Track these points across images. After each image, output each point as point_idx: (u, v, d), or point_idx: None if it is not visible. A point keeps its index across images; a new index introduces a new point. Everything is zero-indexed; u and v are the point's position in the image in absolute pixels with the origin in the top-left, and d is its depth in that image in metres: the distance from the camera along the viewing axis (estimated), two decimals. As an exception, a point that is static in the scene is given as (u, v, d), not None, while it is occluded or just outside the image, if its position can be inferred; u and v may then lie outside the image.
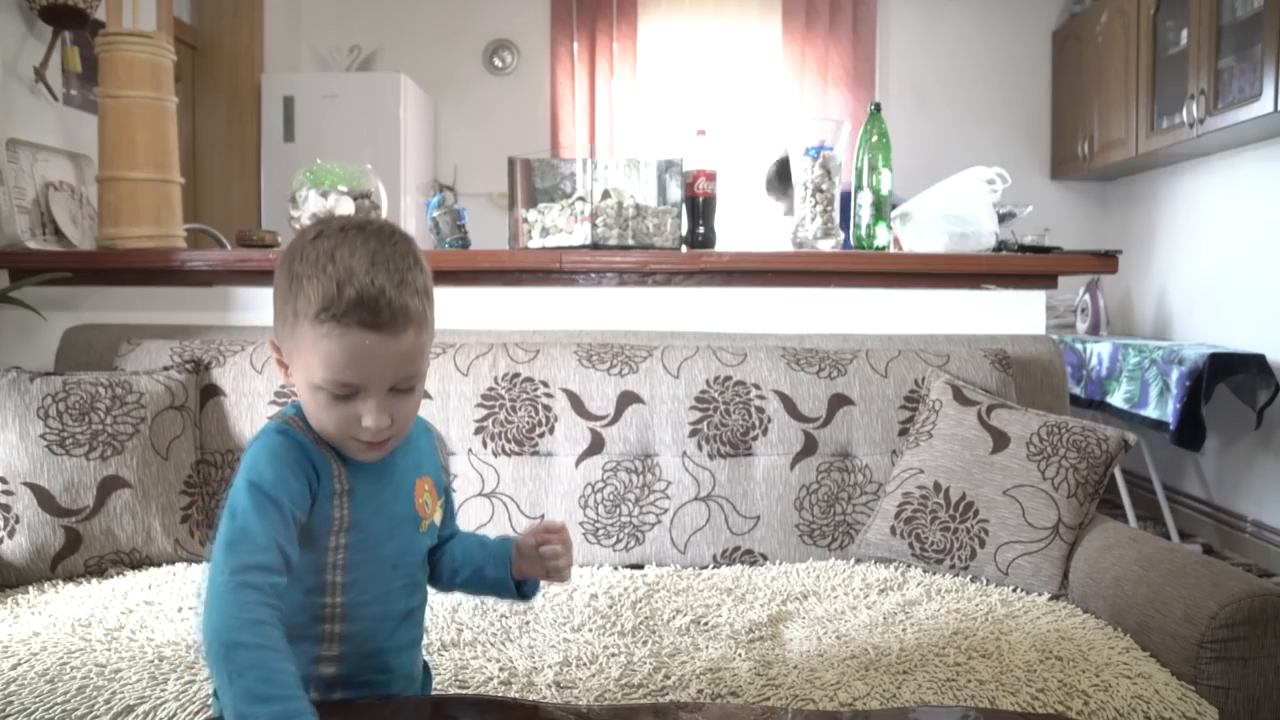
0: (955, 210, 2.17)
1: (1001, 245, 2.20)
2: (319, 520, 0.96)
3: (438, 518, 1.08)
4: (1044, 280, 2.18)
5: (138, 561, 1.72)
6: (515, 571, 1.10)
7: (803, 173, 2.18)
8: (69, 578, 1.66)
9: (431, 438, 1.12)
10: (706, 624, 1.48)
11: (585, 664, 1.32)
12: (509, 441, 1.86)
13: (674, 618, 1.50)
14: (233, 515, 0.89)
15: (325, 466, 0.96)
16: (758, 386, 1.88)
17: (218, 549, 0.88)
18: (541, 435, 1.87)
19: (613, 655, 1.34)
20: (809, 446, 1.87)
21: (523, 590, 1.12)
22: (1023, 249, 2.22)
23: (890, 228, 2.21)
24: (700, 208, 2.21)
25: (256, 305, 2.17)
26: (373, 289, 0.89)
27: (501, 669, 1.29)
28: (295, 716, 0.78)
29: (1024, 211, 2.35)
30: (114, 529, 1.70)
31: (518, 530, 1.83)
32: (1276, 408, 3.22)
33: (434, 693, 1.16)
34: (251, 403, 1.87)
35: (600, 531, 1.83)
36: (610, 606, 1.55)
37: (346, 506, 0.97)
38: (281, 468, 0.92)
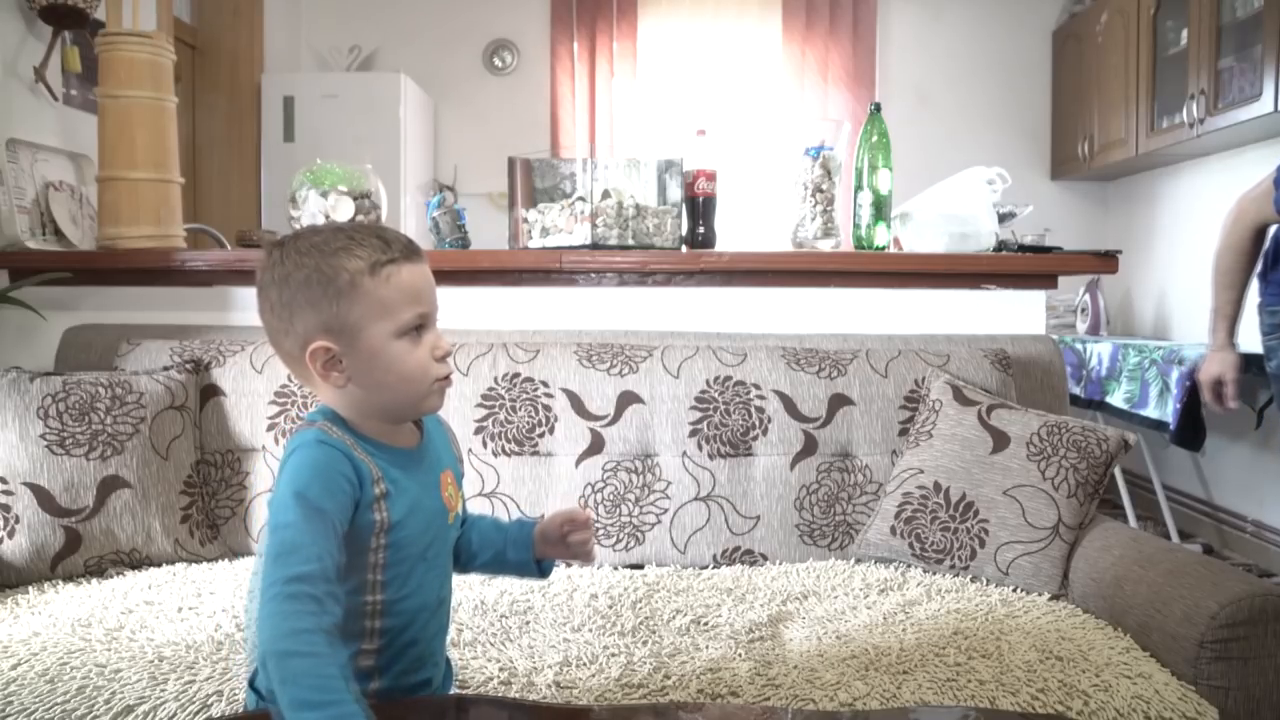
0: (955, 210, 2.17)
1: (1001, 245, 2.20)
2: (361, 526, 0.97)
3: (461, 509, 1.11)
4: (1044, 280, 2.18)
5: (138, 561, 1.72)
6: (536, 553, 1.15)
7: (802, 173, 2.19)
8: (69, 578, 1.66)
9: (444, 429, 1.15)
10: (706, 624, 1.48)
11: (585, 664, 1.32)
12: (509, 441, 1.86)
13: (674, 618, 1.50)
14: (278, 528, 0.90)
15: (367, 473, 0.98)
16: (758, 386, 1.88)
17: (266, 562, 0.89)
18: (541, 435, 1.87)
19: (613, 655, 1.34)
20: (809, 446, 1.87)
21: (542, 568, 1.18)
22: (1023, 249, 2.21)
23: (890, 227, 2.21)
24: (700, 208, 2.21)
25: (256, 305, 2.16)
26: (393, 240, 1.01)
27: (501, 669, 1.29)
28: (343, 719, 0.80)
29: (1024, 211, 2.35)
30: (114, 529, 1.70)
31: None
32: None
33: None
34: (251, 403, 1.87)
35: (600, 531, 1.83)
36: (610, 606, 1.55)
37: (386, 509, 0.99)
38: (327, 480, 0.94)
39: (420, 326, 1.00)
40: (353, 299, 0.97)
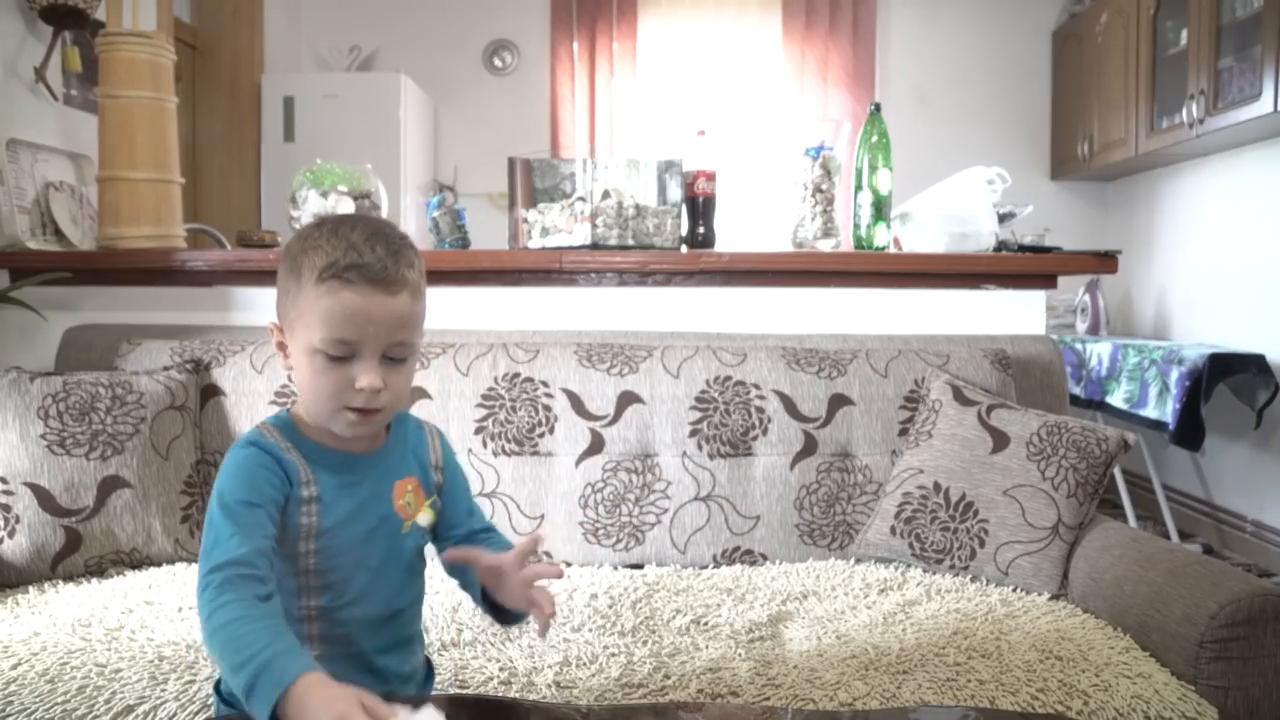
0: (955, 210, 2.17)
1: (1001, 245, 2.20)
2: (292, 527, 0.98)
3: (424, 519, 1.07)
4: (1044, 280, 2.18)
5: (138, 561, 1.72)
6: (500, 599, 1.03)
7: (802, 173, 2.19)
8: (69, 578, 1.66)
9: (425, 435, 1.12)
10: (706, 624, 1.48)
11: (585, 664, 1.32)
12: (509, 441, 1.86)
13: (674, 618, 1.50)
14: (205, 531, 0.94)
15: (295, 473, 0.98)
16: (758, 386, 1.88)
17: (199, 562, 0.92)
18: (541, 435, 1.87)
19: (613, 655, 1.34)
20: (809, 446, 1.87)
21: (502, 614, 1.05)
22: (1023, 249, 2.21)
23: (890, 227, 2.21)
24: (700, 208, 2.21)
25: (256, 305, 2.17)
26: (372, 253, 0.96)
27: (501, 669, 1.29)
28: (261, 671, 0.81)
29: (1024, 211, 2.35)
30: (114, 529, 1.70)
31: (517, 530, 1.83)
32: (1276, 408, 3.22)
33: (433, 692, 1.16)
34: (251, 403, 1.87)
35: (600, 531, 1.83)
36: (610, 606, 1.55)
37: (315, 514, 0.99)
38: (247, 476, 0.96)
39: (341, 357, 0.95)
40: (296, 297, 0.98)
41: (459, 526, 1.11)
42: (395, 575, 1.04)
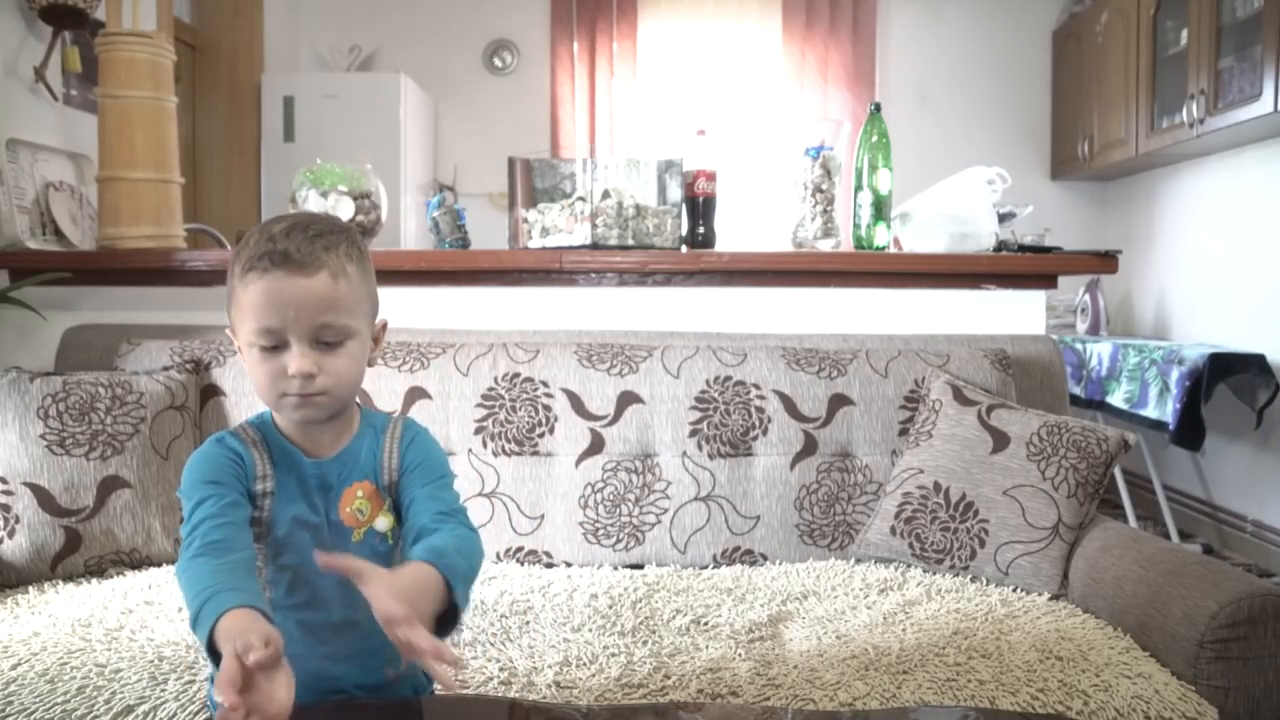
0: (955, 210, 2.17)
1: (1001, 245, 2.20)
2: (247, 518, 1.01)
3: (382, 523, 1.04)
4: (1044, 280, 2.18)
5: (138, 561, 1.72)
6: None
7: (802, 173, 2.19)
8: (69, 578, 1.67)
9: (384, 437, 1.07)
10: (706, 624, 1.48)
11: (585, 664, 1.32)
12: (509, 441, 1.86)
13: (674, 618, 1.50)
14: (184, 514, 0.99)
15: (252, 467, 1.01)
16: (758, 386, 1.88)
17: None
18: (541, 435, 1.87)
19: (613, 655, 1.34)
20: (809, 446, 1.87)
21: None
22: (1023, 249, 2.21)
23: (890, 227, 2.21)
24: (700, 208, 2.21)
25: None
26: (287, 240, 0.97)
27: (501, 669, 1.29)
28: (202, 609, 0.85)
29: (1024, 211, 2.35)
30: (114, 529, 1.70)
31: (518, 530, 1.83)
32: (1276, 408, 3.22)
33: (435, 692, 1.16)
34: (252, 403, 1.87)
35: (600, 531, 1.83)
36: (610, 606, 1.55)
37: (267, 507, 1.01)
38: (202, 466, 1.00)
39: (273, 347, 0.97)
40: (232, 297, 1.01)
41: (417, 514, 1.02)
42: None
